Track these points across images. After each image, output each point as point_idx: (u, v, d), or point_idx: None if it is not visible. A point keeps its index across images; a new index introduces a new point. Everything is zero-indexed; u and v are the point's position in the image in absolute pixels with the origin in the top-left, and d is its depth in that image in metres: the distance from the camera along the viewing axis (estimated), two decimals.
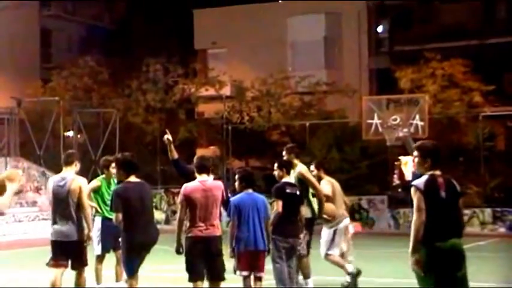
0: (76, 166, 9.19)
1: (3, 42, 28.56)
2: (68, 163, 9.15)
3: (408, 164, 29.06)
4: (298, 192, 9.49)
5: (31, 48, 35.27)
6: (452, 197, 6.67)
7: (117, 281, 10.25)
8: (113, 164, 9.96)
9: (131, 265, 8.38)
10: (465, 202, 23.78)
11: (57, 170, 28.03)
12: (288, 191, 9.33)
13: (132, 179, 8.37)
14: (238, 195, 8.97)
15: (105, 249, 10.30)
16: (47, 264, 8.96)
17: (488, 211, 22.85)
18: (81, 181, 9.07)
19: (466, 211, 23.13)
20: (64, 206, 8.84)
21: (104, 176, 10.54)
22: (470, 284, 6.62)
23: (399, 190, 27.64)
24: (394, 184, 28.22)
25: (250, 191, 8.87)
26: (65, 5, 38.07)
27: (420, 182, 6.64)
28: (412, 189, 6.64)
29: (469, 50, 28.97)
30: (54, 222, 8.94)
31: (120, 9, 39.87)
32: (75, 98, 29.86)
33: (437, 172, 6.69)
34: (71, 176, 9.02)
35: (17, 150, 26.33)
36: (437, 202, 6.56)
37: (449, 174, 6.84)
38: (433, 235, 6.50)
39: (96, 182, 10.46)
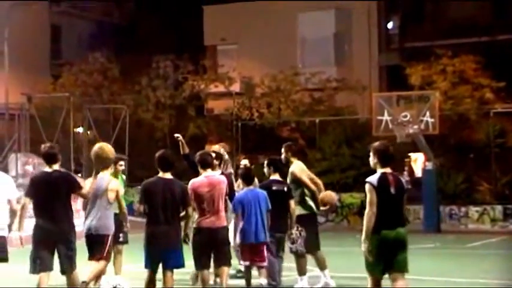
0: (111, 169, 9.86)
1: (13, 38, 28.56)
2: (105, 167, 9.79)
3: (418, 161, 29.08)
4: (285, 189, 9.94)
5: (41, 44, 35.29)
6: (399, 192, 7.60)
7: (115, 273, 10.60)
8: (121, 162, 10.85)
9: (147, 258, 8.60)
10: (476, 199, 23.93)
11: (67, 166, 28.17)
12: (274, 188, 9.81)
13: (166, 175, 8.68)
14: (241, 192, 9.73)
15: None
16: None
17: (499, 208, 22.77)
18: (118, 183, 9.87)
19: (477, 208, 23.11)
20: (98, 203, 9.46)
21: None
22: (484, 281, 6.83)
23: (409, 186, 27.61)
24: (404, 180, 28.19)
25: (251, 187, 9.60)
26: (75, 1, 38.10)
27: (373, 179, 7.54)
28: (367, 185, 7.52)
29: (480, 47, 28.82)
30: (87, 218, 9.59)
31: (130, 5, 39.87)
32: (85, 94, 29.90)
33: (388, 170, 7.62)
34: (107, 177, 9.67)
35: (27, 146, 26.37)
36: (387, 197, 7.48)
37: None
38: (382, 225, 7.41)
39: None
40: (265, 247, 9.52)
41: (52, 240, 8.27)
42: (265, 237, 9.46)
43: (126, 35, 37.43)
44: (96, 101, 29.43)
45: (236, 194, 10.09)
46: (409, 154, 28.51)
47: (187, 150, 10.60)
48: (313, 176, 10.80)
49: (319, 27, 33.10)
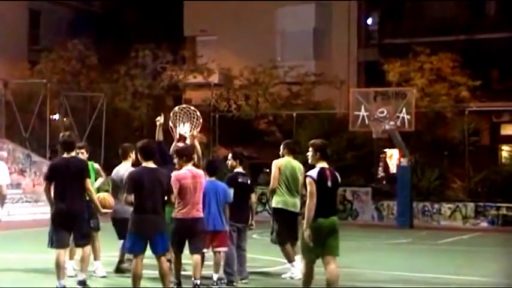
0: (131, 158, 10.59)
1: None
2: (124, 156, 10.76)
3: (393, 157, 29.28)
4: (248, 182, 10.45)
5: (19, 29, 35.01)
6: (335, 185, 8.47)
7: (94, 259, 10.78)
8: (81, 150, 10.91)
9: (130, 244, 8.88)
10: (449, 196, 24.16)
11: (42, 152, 27.98)
12: (239, 180, 10.29)
13: (150, 164, 8.95)
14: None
15: None
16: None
17: (471, 205, 23.01)
18: None
19: (450, 205, 23.35)
20: (120, 191, 10.15)
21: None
22: (455, 277, 6.98)
23: (384, 182, 27.80)
24: (378, 176, 28.36)
25: (213, 178, 9.90)
26: None
27: (313, 173, 8.34)
28: (307, 179, 8.32)
29: (458, 45, 29.04)
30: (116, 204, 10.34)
31: None
32: (62, 81, 29.70)
33: (325, 165, 8.46)
34: (126, 167, 10.48)
35: (2, 131, 26.24)
36: (324, 189, 8.30)
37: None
38: (319, 214, 8.22)
39: None
40: (225, 235, 9.90)
41: (68, 220, 9.00)
42: (222, 226, 9.82)
43: (106, 23, 37.22)
44: (74, 89, 29.25)
45: None
46: (385, 150, 28.71)
47: (161, 138, 10.78)
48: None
49: (299, 21, 33.15)
